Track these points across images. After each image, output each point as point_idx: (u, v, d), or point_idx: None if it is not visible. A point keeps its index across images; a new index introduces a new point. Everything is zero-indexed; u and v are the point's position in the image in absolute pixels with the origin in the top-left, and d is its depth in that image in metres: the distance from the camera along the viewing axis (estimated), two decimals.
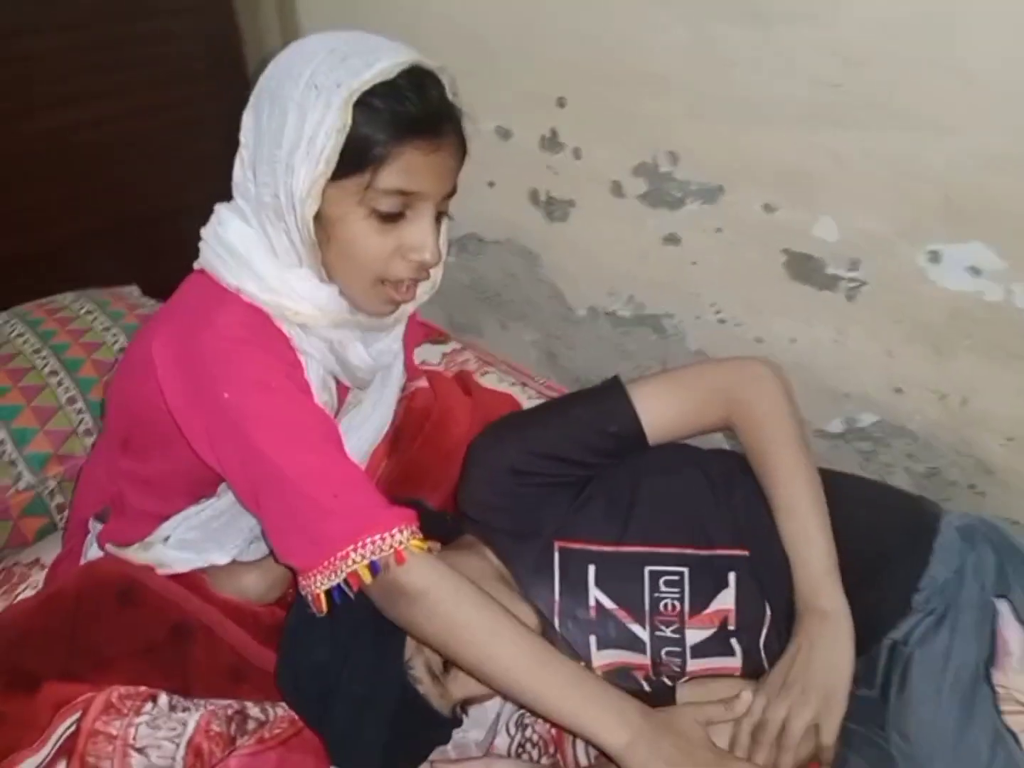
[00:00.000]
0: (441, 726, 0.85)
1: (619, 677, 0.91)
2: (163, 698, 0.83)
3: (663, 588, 0.88)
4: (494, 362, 1.53)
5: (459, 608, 0.74)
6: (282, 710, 0.89)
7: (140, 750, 0.82)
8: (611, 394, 0.92)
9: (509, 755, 0.91)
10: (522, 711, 0.95)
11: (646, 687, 0.91)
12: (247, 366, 0.76)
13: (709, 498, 0.91)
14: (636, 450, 0.92)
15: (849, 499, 0.90)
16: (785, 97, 1.12)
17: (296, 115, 0.73)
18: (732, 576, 0.88)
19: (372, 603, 0.83)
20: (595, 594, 0.88)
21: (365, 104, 0.72)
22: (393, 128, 0.73)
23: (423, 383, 1.13)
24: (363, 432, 0.98)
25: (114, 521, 0.93)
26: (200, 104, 1.80)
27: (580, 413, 0.92)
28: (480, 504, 0.93)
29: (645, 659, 0.88)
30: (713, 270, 1.32)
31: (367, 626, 0.82)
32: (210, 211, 0.85)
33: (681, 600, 0.87)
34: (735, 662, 0.89)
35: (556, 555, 0.90)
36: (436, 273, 0.88)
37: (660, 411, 0.90)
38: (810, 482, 0.87)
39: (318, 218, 0.75)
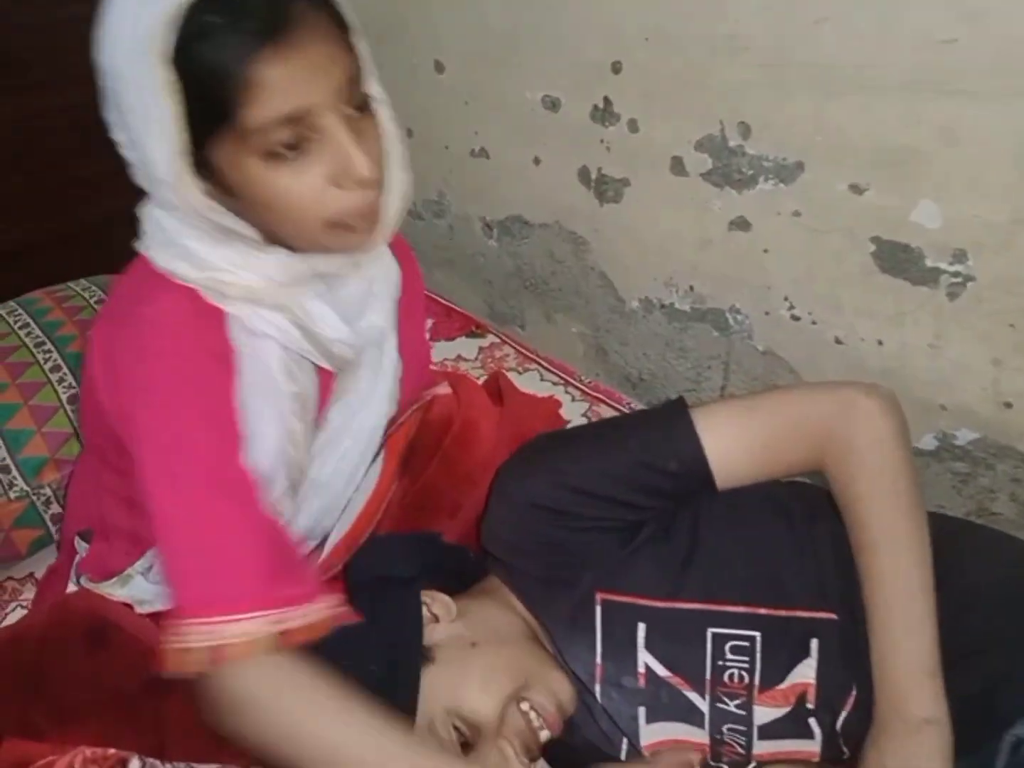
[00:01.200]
0: None
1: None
2: (135, 763, 0.72)
3: (729, 655, 0.73)
4: (536, 358, 1.39)
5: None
6: None
7: None
8: (672, 422, 0.75)
9: None
10: None
11: None
12: (157, 375, 0.66)
13: (789, 547, 0.75)
14: (699, 491, 0.76)
15: (962, 560, 0.74)
16: (883, 60, 0.95)
17: (120, 84, 0.61)
18: (815, 644, 0.72)
19: (388, 667, 0.71)
20: (645, 658, 0.74)
21: (184, 45, 0.58)
22: (227, 55, 0.58)
23: (444, 389, 0.98)
24: (355, 433, 0.84)
25: (96, 544, 0.82)
26: None
27: (633, 444, 0.76)
28: (506, 544, 0.79)
29: (703, 735, 0.74)
30: (788, 259, 1.15)
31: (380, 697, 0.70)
32: None
33: (751, 671, 0.72)
34: (813, 746, 0.73)
35: (598, 609, 0.75)
36: (395, 177, 0.71)
37: (733, 447, 0.73)
38: (916, 554, 0.69)
39: (223, 184, 0.64)
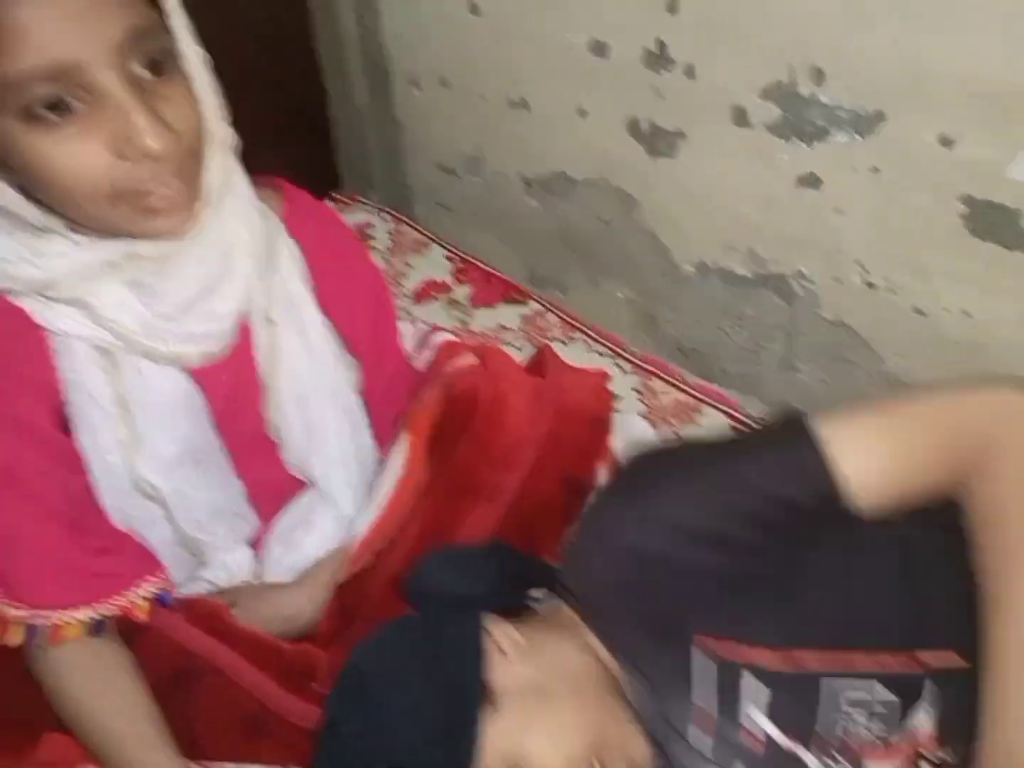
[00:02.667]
0: None
1: None
2: None
3: (844, 707, 0.64)
4: (582, 327, 1.31)
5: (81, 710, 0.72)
6: None
7: None
8: (796, 443, 0.63)
9: None
10: None
11: None
12: None
13: (910, 585, 0.65)
14: (829, 523, 0.64)
15: None
16: None
17: None
18: (935, 691, 0.63)
19: (445, 707, 0.65)
20: (748, 711, 0.66)
21: None
22: None
23: (468, 360, 0.91)
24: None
25: None
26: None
27: (747, 469, 0.64)
28: (596, 586, 0.70)
29: None
30: (863, 220, 1.04)
31: (435, 738, 0.64)
32: None
33: (867, 725, 0.64)
34: None
35: (697, 658, 0.67)
36: (213, 152, 0.63)
37: (869, 467, 0.61)
38: None
39: None
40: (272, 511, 0.90)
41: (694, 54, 1.11)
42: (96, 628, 0.73)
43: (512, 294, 1.37)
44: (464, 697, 0.66)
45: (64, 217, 0.61)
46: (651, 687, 0.69)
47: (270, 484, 0.88)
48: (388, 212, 1.55)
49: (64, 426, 0.72)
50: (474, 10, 1.37)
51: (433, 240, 1.49)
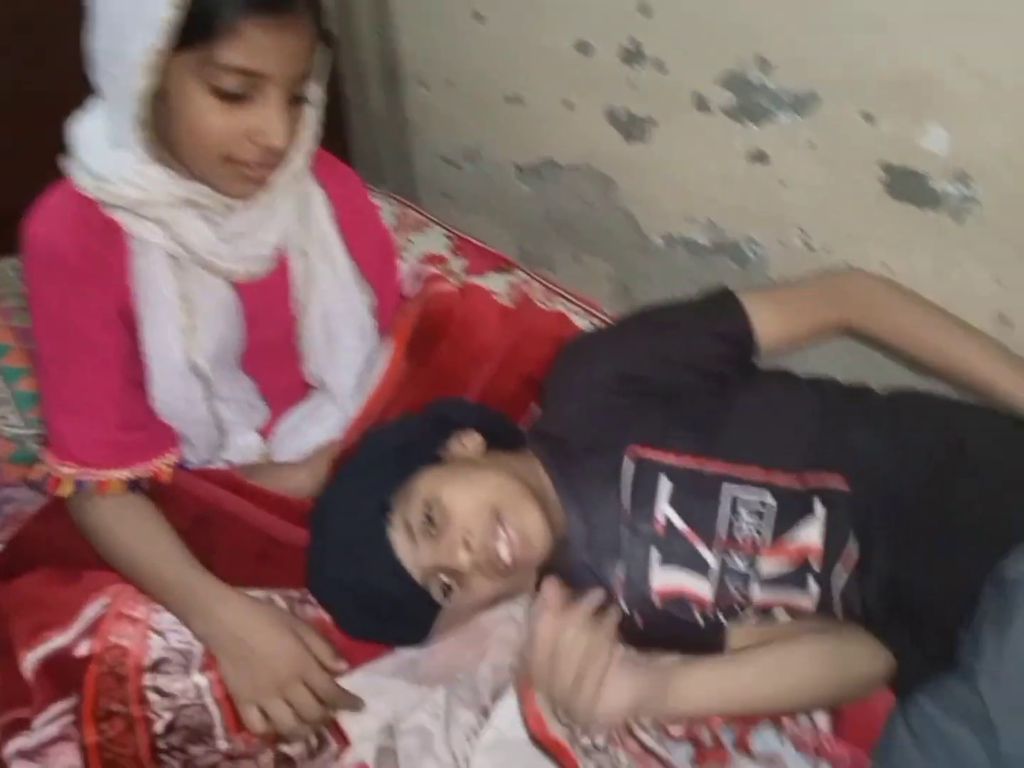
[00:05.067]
0: (408, 590, 0.82)
1: (675, 607, 0.84)
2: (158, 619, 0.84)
3: (742, 514, 0.80)
4: (562, 292, 1.46)
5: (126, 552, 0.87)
6: (309, 607, 0.87)
7: (160, 632, 0.82)
8: (717, 296, 0.92)
9: None
10: None
11: (701, 622, 0.84)
12: (39, 261, 0.84)
13: (811, 421, 0.84)
14: (746, 359, 0.89)
15: (971, 419, 0.84)
16: None
17: None
18: (822, 510, 0.79)
19: (396, 451, 0.85)
20: (665, 510, 0.81)
21: None
22: (234, 0, 0.70)
23: (447, 287, 1.12)
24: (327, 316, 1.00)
25: None
26: None
27: (683, 314, 0.92)
28: (565, 417, 0.89)
29: (707, 586, 0.81)
30: (803, 190, 1.20)
31: (376, 467, 0.84)
32: None
33: (759, 530, 0.79)
34: (806, 600, 0.80)
35: (629, 464, 0.84)
36: (295, 163, 0.86)
37: (771, 310, 0.89)
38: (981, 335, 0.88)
39: (161, 95, 0.74)
40: (282, 407, 1.05)
41: (663, 50, 1.28)
42: (132, 485, 0.89)
43: (501, 264, 1.53)
44: (415, 451, 0.85)
45: (172, 157, 0.80)
46: (585, 494, 0.83)
47: (281, 385, 1.04)
48: (394, 197, 1.72)
49: (129, 324, 0.89)
50: (478, 17, 1.57)
51: (434, 221, 1.66)
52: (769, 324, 0.89)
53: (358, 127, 1.91)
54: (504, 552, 0.80)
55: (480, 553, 0.80)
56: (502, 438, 0.93)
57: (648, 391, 0.86)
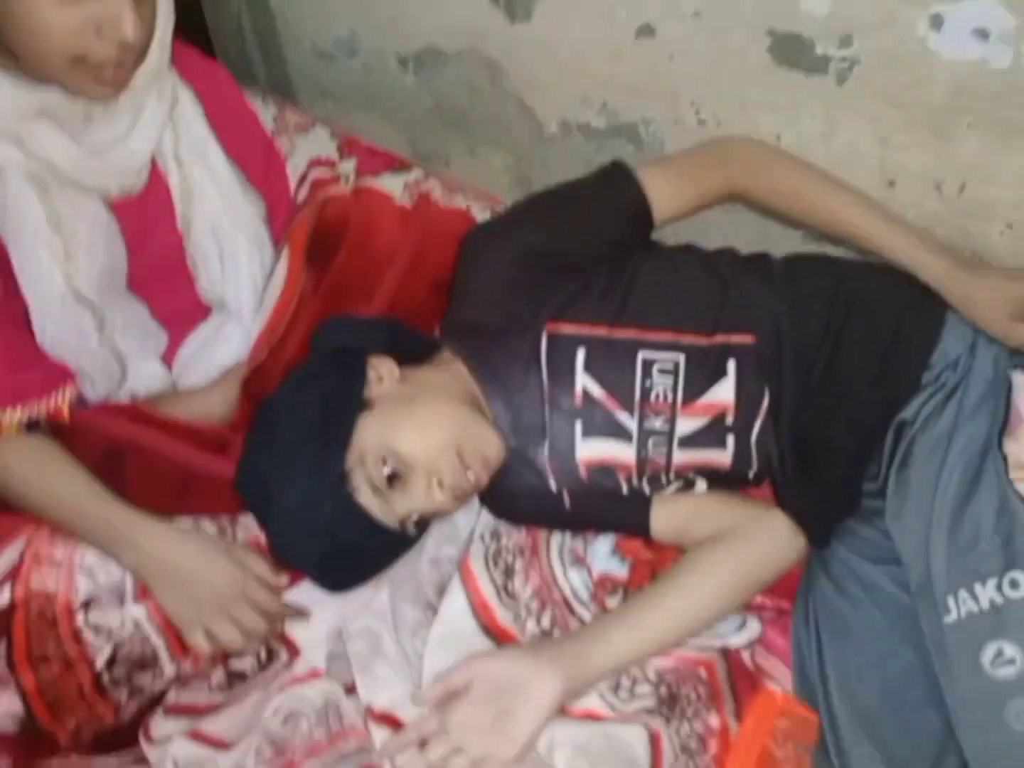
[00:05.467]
0: (387, 539, 0.82)
1: (601, 476, 0.88)
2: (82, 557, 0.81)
3: (656, 377, 0.83)
4: (461, 188, 1.42)
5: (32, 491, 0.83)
6: (241, 529, 0.86)
7: (87, 572, 0.79)
8: (610, 170, 0.94)
9: (486, 563, 0.88)
10: (497, 521, 0.92)
11: (624, 490, 0.88)
12: None
13: (714, 284, 0.87)
14: (644, 229, 0.92)
15: (860, 276, 0.89)
16: None
17: None
18: (732, 365, 0.83)
19: (323, 411, 0.79)
20: (583, 380, 0.84)
21: None
22: None
23: (339, 191, 1.08)
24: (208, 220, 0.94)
25: None
26: None
27: (580, 190, 0.93)
28: (478, 301, 0.90)
29: (630, 452, 0.85)
30: (692, 63, 1.19)
31: (312, 436, 0.78)
32: None
33: (674, 390, 0.83)
34: (724, 457, 0.85)
35: (544, 340, 0.85)
36: (154, 56, 0.80)
37: (662, 180, 0.92)
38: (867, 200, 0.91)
39: None
40: (181, 332, 1.00)
41: None
42: (30, 427, 0.84)
43: (395, 164, 1.47)
44: (341, 404, 0.80)
45: (19, 68, 0.72)
46: (508, 381, 0.85)
47: (177, 308, 0.99)
48: (270, 97, 1.61)
49: None
50: None
51: (318, 121, 1.57)
52: (661, 191, 0.92)
53: (219, 24, 1.76)
54: (472, 479, 0.83)
55: (451, 488, 0.81)
56: (408, 346, 0.92)
57: (554, 265, 0.87)
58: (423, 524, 0.86)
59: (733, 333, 0.83)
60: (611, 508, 0.91)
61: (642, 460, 0.85)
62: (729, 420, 0.83)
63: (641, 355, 0.83)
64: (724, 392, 0.83)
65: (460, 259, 0.92)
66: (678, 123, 1.25)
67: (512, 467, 0.87)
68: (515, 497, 0.90)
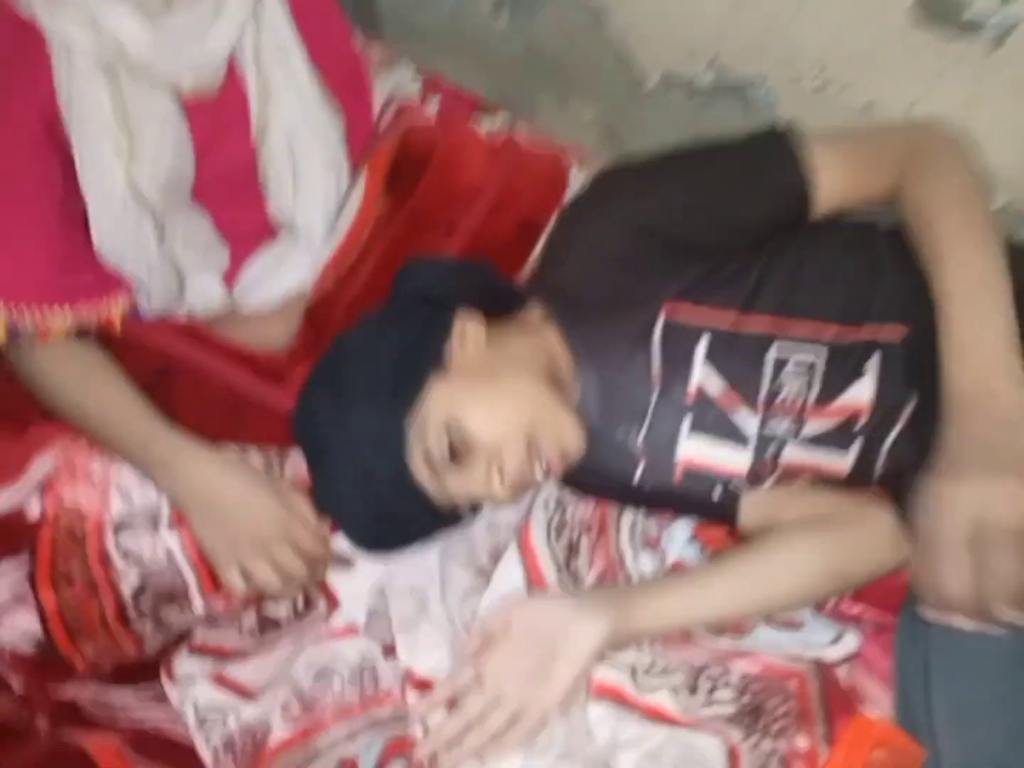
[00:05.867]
0: (436, 517, 0.76)
1: (694, 482, 0.78)
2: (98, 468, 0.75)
3: (790, 375, 0.73)
4: (548, 141, 1.34)
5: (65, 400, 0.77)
6: (289, 465, 0.80)
7: (123, 492, 0.73)
8: (771, 136, 0.77)
9: (547, 534, 0.80)
10: (563, 489, 0.84)
11: (715, 498, 0.78)
12: None
13: (864, 265, 0.75)
14: (796, 222, 0.76)
15: None
16: None
17: None
18: (875, 361, 0.72)
19: (397, 364, 0.71)
20: (702, 373, 0.73)
21: None
22: None
23: (424, 120, 1.00)
24: (288, 130, 0.86)
25: None
26: None
27: (732, 162, 0.77)
28: (582, 271, 0.78)
29: (743, 459, 0.75)
30: (820, 20, 1.08)
31: (381, 388, 0.70)
32: None
33: (808, 389, 0.72)
34: (843, 463, 0.74)
35: (661, 323, 0.74)
36: None
37: (841, 168, 0.75)
38: (989, 264, 0.68)
39: None
40: (244, 252, 0.94)
41: None
42: (78, 333, 0.78)
43: (481, 107, 1.39)
44: (416, 360, 0.72)
45: None
46: (600, 368, 0.75)
47: (243, 226, 0.92)
48: (357, 29, 1.54)
49: (60, 148, 0.76)
50: None
51: (404, 58, 1.49)
52: (833, 179, 0.74)
53: None
54: (539, 473, 0.75)
55: (512, 481, 0.73)
56: (499, 301, 0.83)
57: (679, 245, 0.75)
58: (475, 508, 0.78)
59: (884, 324, 0.73)
60: (692, 507, 0.82)
61: (754, 466, 0.75)
62: (860, 423, 0.73)
63: (774, 349, 0.72)
64: (862, 392, 0.72)
65: (569, 214, 0.81)
66: (796, 84, 1.14)
67: (594, 444, 0.78)
68: (589, 472, 0.81)
